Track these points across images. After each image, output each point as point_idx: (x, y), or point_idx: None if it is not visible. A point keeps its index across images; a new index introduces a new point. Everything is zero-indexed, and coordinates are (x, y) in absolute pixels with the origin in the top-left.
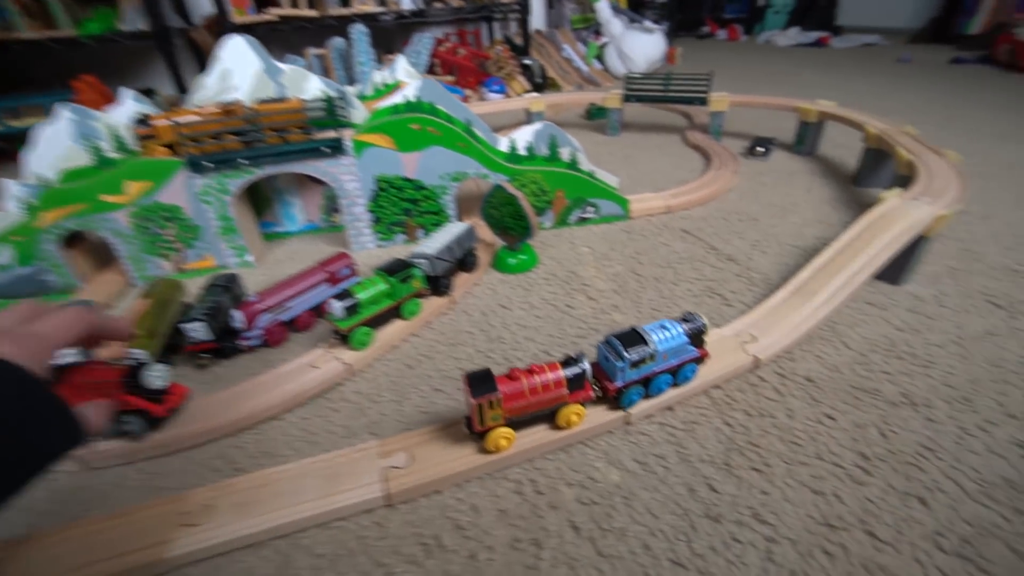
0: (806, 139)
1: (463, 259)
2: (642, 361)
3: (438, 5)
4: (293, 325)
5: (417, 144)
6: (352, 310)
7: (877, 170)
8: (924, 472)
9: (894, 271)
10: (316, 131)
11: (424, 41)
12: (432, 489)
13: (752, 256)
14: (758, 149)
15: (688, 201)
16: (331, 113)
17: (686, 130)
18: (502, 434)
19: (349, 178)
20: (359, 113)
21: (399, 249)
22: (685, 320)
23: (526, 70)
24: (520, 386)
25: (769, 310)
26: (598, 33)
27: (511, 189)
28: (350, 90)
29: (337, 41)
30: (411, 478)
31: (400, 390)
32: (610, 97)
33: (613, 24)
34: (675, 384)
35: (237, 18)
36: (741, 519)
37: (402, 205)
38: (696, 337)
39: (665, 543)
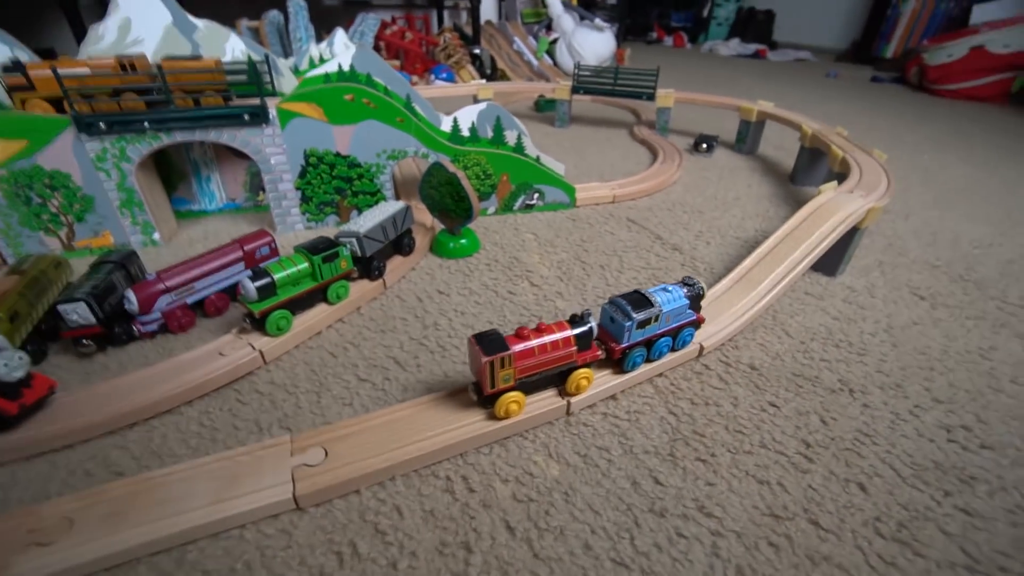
0: (747, 138)
1: (398, 241)
2: (648, 322)
3: None
4: (202, 309)
5: (351, 117)
6: (267, 291)
7: (812, 169)
8: (862, 458)
9: (830, 263)
10: (236, 97)
11: (368, 22)
12: (350, 489)
13: (696, 246)
14: (702, 146)
15: (634, 191)
16: (254, 77)
17: (634, 125)
18: (512, 398)
19: (273, 150)
20: (288, 82)
21: (330, 232)
22: (685, 284)
23: (475, 60)
24: (529, 344)
25: (713, 299)
26: (549, 28)
27: (452, 168)
28: (282, 61)
29: (273, 14)
30: (325, 477)
31: (320, 380)
32: (559, 88)
33: (564, 20)
34: (673, 348)
35: None
36: (686, 512)
37: (334, 183)
38: (695, 301)
39: (607, 541)
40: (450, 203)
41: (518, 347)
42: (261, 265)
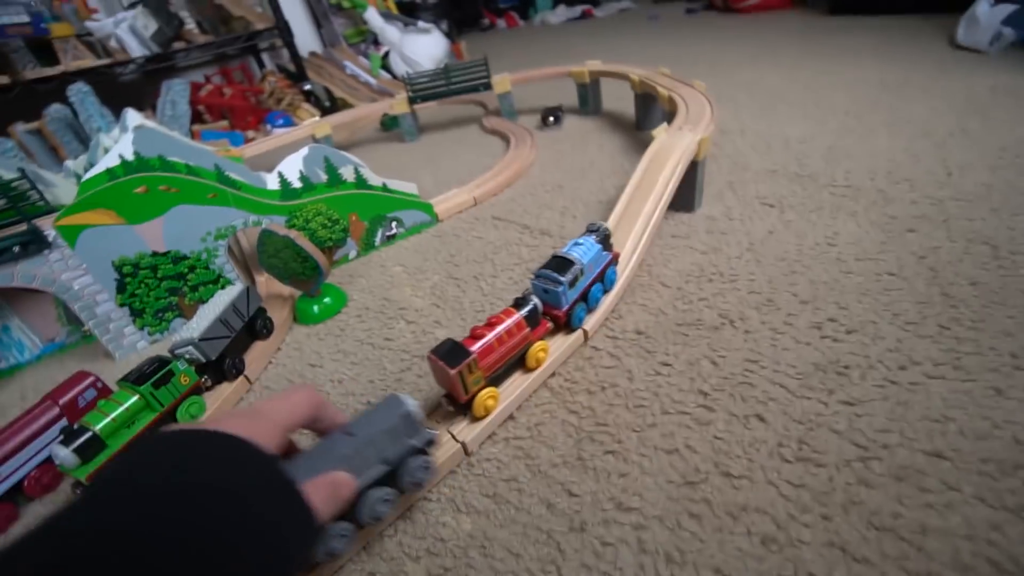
0: (588, 99)
1: (251, 326)
2: (576, 279)
3: (180, 45)
4: (22, 493)
5: (153, 210)
6: (91, 448)
7: (651, 113)
8: (754, 387)
9: (685, 199)
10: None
11: (176, 89)
12: None
13: (564, 224)
14: (550, 119)
15: (493, 187)
16: (15, 200)
17: (482, 117)
18: (487, 394)
19: (71, 274)
20: (65, 191)
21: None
22: (591, 230)
23: (309, 96)
24: (487, 340)
25: None
26: (377, 43)
27: (282, 231)
28: (70, 164)
29: (55, 108)
30: None
31: None
32: (397, 103)
33: (388, 31)
34: (605, 291)
35: None
36: (606, 517)
37: (164, 285)
38: (605, 241)
39: None
40: (296, 266)
41: (478, 347)
42: (76, 423)
